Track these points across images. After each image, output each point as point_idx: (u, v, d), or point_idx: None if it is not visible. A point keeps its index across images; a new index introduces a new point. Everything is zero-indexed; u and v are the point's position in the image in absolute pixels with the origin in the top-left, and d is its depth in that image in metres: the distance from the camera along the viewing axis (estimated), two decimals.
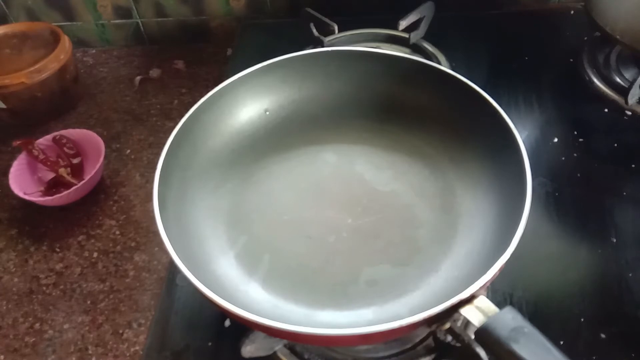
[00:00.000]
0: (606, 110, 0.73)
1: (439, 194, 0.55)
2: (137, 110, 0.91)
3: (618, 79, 0.75)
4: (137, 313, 0.64)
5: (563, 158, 0.68)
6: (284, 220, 0.55)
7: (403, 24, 0.80)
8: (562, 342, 0.48)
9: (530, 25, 0.88)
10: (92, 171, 0.74)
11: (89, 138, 0.79)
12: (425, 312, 0.38)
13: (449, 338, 0.48)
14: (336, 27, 0.83)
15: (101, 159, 0.75)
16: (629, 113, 0.72)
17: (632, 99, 0.72)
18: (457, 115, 0.57)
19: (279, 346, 0.51)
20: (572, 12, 0.89)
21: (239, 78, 0.58)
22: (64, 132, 0.80)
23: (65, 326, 0.64)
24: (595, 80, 0.76)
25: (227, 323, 0.56)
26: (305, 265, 0.51)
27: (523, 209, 0.43)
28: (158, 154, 0.50)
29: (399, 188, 0.56)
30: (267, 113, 0.62)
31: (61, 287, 0.68)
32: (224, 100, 0.58)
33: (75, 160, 0.79)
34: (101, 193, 0.78)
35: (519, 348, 0.36)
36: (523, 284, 0.56)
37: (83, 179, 0.74)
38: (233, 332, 0.54)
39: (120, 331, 0.62)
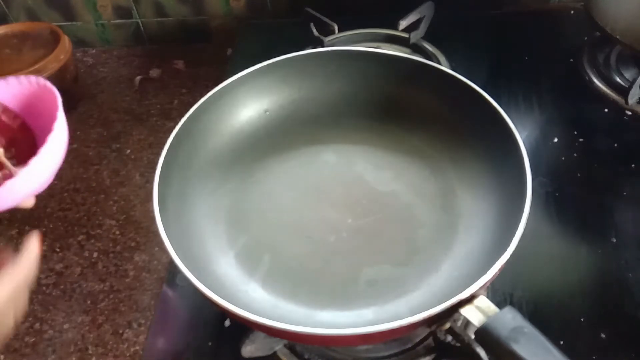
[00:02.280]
0: (606, 110, 0.73)
1: (439, 194, 0.55)
2: (137, 110, 0.91)
3: (618, 79, 0.75)
4: (137, 313, 0.64)
5: (563, 158, 0.68)
6: (284, 220, 0.55)
7: (403, 24, 0.80)
8: (562, 342, 0.48)
9: (530, 25, 0.88)
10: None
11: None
12: (425, 312, 0.38)
13: (449, 338, 0.48)
14: (336, 27, 0.83)
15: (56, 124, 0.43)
16: (629, 113, 0.72)
17: (632, 99, 0.72)
18: (457, 116, 0.57)
19: (279, 346, 0.50)
20: (572, 12, 0.89)
21: (239, 78, 0.58)
22: None
23: (65, 326, 0.64)
24: (595, 80, 0.76)
25: (227, 323, 0.56)
26: (305, 265, 0.51)
27: (523, 209, 0.43)
28: (158, 154, 0.50)
29: (399, 188, 0.56)
30: (267, 113, 0.62)
31: (61, 287, 0.68)
32: (224, 100, 0.58)
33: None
34: (101, 193, 0.78)
35: (519, 348, 0.36)
36: (523, 284, 0.56)
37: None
38: (233, 332, 0.54)
39: (120, 331, 0.63)
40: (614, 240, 0.59)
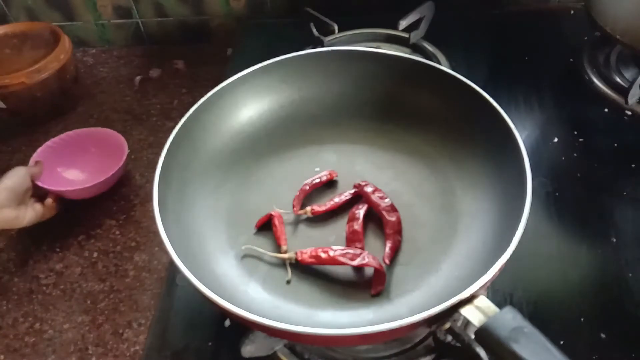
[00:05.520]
0: (606, 110, 0.73)
1: (439, 194, 0.55)
2: (137, 110, 0.91)
3: (618, 79, 0.75)
4: (137, 313, 0.64)
5: (563, 158, 0.68)
6: (284, 219, 0.55)
7: (403, 23, 0.80)
8: (562, 342, 0.48)
9: (530, 25, 0.88)
10: (115, 167, 0.72)
11: (112, 135, 0.78)
12: (425, 312, 0.38)
13: (449, 338, 0.48)
14: (336, 27, 0.83)
15: (125, 154, 0.74)
16: (629, 113, 0.72)
17: (632, 99, 0.72)
18: (457, 115, 0.57)
19: (279, 346, 0.51)
20: (572, 12, 0.89)
21: (239, 78, 0.58)
22: (85, 129, 0.79)
23: (65, 326, 0.64)
24: (595, 80, 0.76)
25: (227, 323, 0.56)
26: (306, 265, 0.51)
27: (523, 209, 0.43)
28: (158, 154, 0.50)
29: (399, 188, 0.56)
30: (267, 113, 0.61)
31: (61, 287, 0.68)
32: (224, 100, 0.58)
33: None
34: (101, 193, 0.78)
35: (519, 348, 0.36)
36: (523, 284, 0.56)
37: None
38: (233, 332, 0.54)
39: (120, 331, 0.62)
40: (614, 240, 0.59)
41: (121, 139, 0.77)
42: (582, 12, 0.79)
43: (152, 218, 0.45)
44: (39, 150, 0.76)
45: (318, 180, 0.57)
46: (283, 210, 0.55)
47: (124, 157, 0.74)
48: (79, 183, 0.75)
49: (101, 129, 0.80)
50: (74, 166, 0.78)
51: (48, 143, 0.77)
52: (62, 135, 0.78)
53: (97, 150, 0.79)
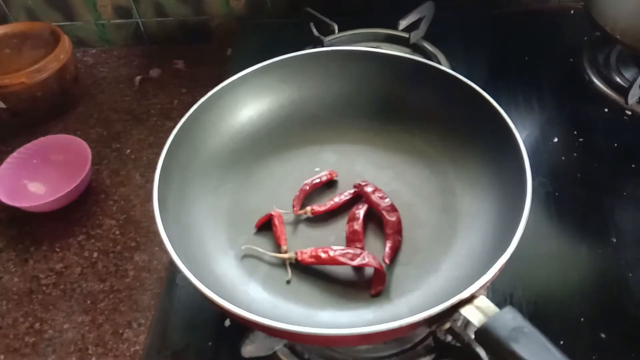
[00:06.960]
0: (606, 110, 0.73)
1: (439, 194, 0.55)
2: (137, 110, 0.91)
3: (618, 79, 0.75)
4: (137, 313, 0.64)
5: (563, 158, 0.68)
6: (284, 219, 0.55)
7: (403, 23, 0.80)
8: (562, 342, 0.48)
9: (530, 25, 0.88)
10: (79, 178, 0.73)
11: (75, 143, 0.79)
12: (425, 312, 0.38)
13: (449, 338, 0.48)
14: (336, 27, 0.83)
15: (88, 164, 0.75)
16: (629, 113, 0.72)
17: (632, 99, 0.72)
18: (457, 115, 0.57)
19: (279, 346, 0.51)
20: (572, 12, 0.89)
21: (239, 78, 0.58)
22: (49, 137, 0.80)
23: (65, 326, 0.64)
24: (595, 80, 0.76)
25: (227, 323, 0.56)
26: (306, 265, 0.51)
27: (523, 209, 0.43)
28: (158, 154, 0.50)
29: (399, 188, 0.56)
30: (267, 113, 0.61)
31: (61, 287, 0.68)
32: (224, 100, 0.58)
33: None
34: (101, 193, 0.78)
35: (519, 348, 0.36)
36: (523, 284, 0.56)
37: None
38: (233, 332, 0.54)
39: (120, 331, 0.63)
40: (614, 240, 0.59)
41: (85, 146, 0.77)
42: (582, 12, 0.79)
43: (152, 218, 0.45)
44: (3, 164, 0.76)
45: (318, 180, 0.57)
46: (283, 210, 0.55)
47: (88, 166, 0.74)
48: (41, 197, 0.76)
49: (66, 136, 0.80)
50: (37, 179, 0.79)
51: (14, 154, 0.78)
52: (29, 145, 0.79)
53: (63, 159, 0.79)
